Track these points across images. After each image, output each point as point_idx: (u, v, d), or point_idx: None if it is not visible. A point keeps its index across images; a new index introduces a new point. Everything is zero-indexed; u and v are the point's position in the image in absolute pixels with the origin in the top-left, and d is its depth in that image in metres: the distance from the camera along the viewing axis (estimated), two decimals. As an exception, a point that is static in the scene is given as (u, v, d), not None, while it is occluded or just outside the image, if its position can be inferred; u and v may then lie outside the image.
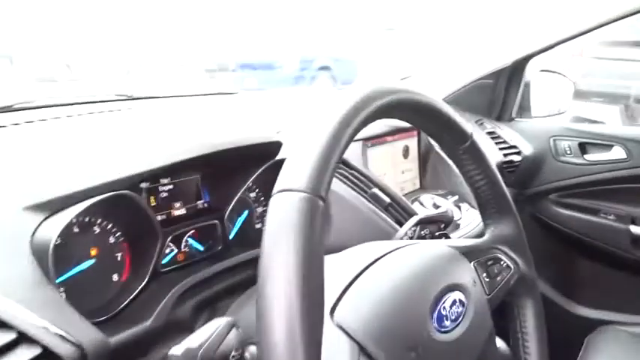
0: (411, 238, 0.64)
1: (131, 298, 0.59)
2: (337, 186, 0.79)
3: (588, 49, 4.33)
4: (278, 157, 0.75)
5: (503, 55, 1.29)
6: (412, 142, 1.09)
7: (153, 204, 0.66)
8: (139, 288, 0.60)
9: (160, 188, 0.67)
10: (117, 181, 0.58)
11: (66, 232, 0.52)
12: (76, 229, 0.57)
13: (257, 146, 0.72)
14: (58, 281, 0.53)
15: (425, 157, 1.13)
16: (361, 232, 0.76)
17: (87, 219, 0.58)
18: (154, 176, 0.65)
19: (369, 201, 0.80)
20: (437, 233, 0.65)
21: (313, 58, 6.56)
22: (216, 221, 0.70)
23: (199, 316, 0.62)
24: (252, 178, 0.71)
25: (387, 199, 0.81)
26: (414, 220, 0.65)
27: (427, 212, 0.69)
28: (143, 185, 0.64)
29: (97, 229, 0.60)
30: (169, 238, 0.65)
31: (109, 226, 0.61)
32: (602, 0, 1.12)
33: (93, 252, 0.59)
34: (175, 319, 0.59)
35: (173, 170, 0.66)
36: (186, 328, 0.60)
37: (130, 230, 0.63)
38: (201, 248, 0.71)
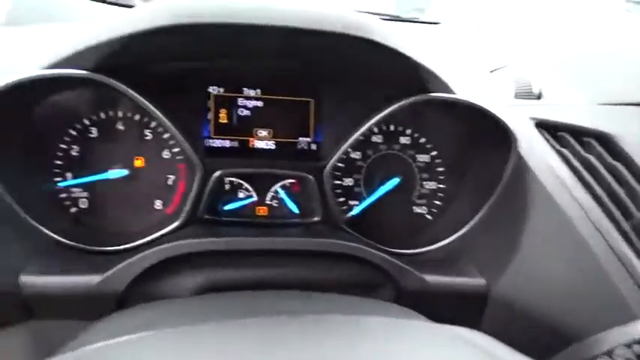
0: None
1: (158, 235, 0.42)
2: (556, 182, 0.39)
3: None
4: (450, 96, 0.41)
5: None
6: None
7: (223, 120, 0.45)
8: (172, 227, 0.43)
9: (240, 101, 0.45)
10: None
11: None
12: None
13: (409, 64, 0.39)
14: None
15: None
16: (564, 278, 0.36)
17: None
18: (230, 77, 0.44)
19: (621, 231, 0.36)
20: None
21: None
22: (309, 175, 0.45)
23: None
24: (391, 109, 0.41)
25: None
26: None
27: None
28: (212, 90, 0.45)
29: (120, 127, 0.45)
30: (222, 174, 0.44)
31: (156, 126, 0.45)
32: None
33: (138, 162, 0.45)
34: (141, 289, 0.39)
35: (261, 75, 0.44)
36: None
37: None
38: (296, 210, 0.47)
